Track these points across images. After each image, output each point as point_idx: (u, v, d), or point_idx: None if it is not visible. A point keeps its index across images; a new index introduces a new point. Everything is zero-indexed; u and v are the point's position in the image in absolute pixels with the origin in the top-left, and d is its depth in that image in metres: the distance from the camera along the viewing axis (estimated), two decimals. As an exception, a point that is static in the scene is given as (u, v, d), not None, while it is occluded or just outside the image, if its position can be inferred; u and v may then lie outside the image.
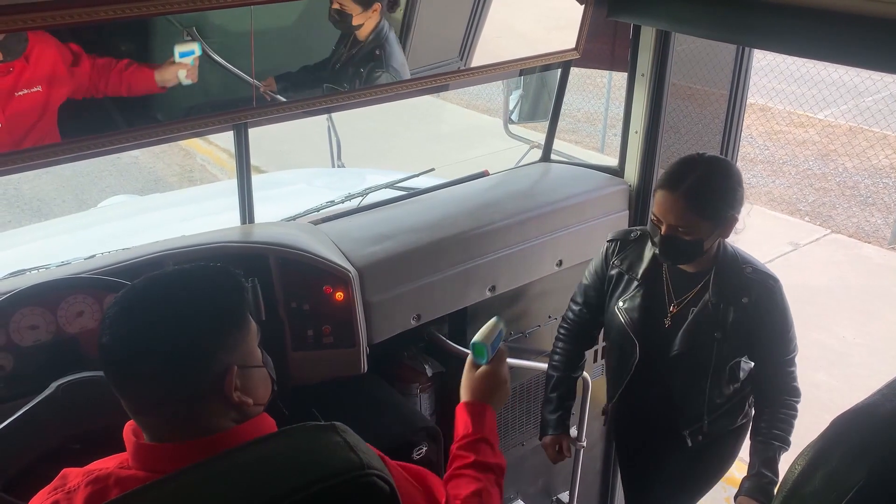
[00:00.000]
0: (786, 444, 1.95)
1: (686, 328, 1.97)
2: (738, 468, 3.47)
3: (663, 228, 1.85)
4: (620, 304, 2.05)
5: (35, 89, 1.59)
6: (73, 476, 1.04)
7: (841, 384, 4.15)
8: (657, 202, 1.86)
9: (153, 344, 1.00)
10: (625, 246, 2.08)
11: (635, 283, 2.03)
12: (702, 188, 1.82)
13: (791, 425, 1.96)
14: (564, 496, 2.80)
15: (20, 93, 1.58)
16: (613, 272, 2.07)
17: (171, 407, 1.01)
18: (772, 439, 1.94)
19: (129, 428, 1.06)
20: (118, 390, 1.03)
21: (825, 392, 4.08)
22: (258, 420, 1.09)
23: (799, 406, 1.97)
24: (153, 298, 1.04)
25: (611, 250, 2.10)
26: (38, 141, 1.63)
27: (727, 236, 1.91)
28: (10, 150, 1.58)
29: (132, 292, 1.05)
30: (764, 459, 1.94)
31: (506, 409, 2.52)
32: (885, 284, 5.30)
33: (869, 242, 5.99)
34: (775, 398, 1.97)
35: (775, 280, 1.96)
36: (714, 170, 1.87)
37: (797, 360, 1.98)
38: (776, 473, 1.93)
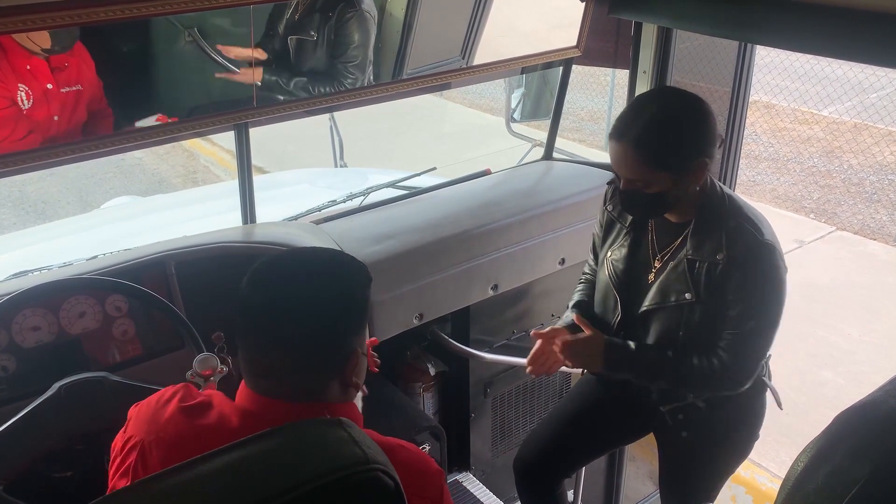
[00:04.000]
0: (680, 384, 1.74)
1: (659, 284, 1.73)
2: (745, 466, 3.47)
3: (621, 182, 1.66)
4: (609, 254, 1.84)
5: (76, 87, 1.66)
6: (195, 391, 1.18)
7: (846, 381, 4.14)
8: (609, 153, 1.63)
9: (303, 314, 1.08)
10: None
11: (624, 232, 1.81)
12: (653, 135, 1.56)
13: (704, 385, 1.72)
14: (569, 495, 2.79)
15: (64, 90, 1.64)
16: (607, 219, 1.87)
17: (297, 376, 1.10)
18: (675, 368, 1.70)
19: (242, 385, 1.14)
20: (249, 352, 1.11)
21: (831, 389, 4.07)
22: (352, 407, 1.17)
23: (732, 383, 1.69)
24: (307, 273, 1.12)
25: (608, 194, 1.88)
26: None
27: (699, 183, 1.64)
28: (12, 151, 1.58)
29: (284, 262, 1.15)
30: (652, 359, 1.73)
31: (509, 407, 2.53)
32: (891, 281, 5.27)
33: (874, 239, 5.96)
34: (711, 353, 1.68)
35: (763, 240, 1.64)
36: (669, 110, 1.60)
37: (768, 347, 1.73)
38: (640, 370, 1.73)
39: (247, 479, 0.85)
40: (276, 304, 1.09)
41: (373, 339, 1.27)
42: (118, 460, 1.15)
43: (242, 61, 1.84)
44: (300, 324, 1.08)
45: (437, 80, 2.21)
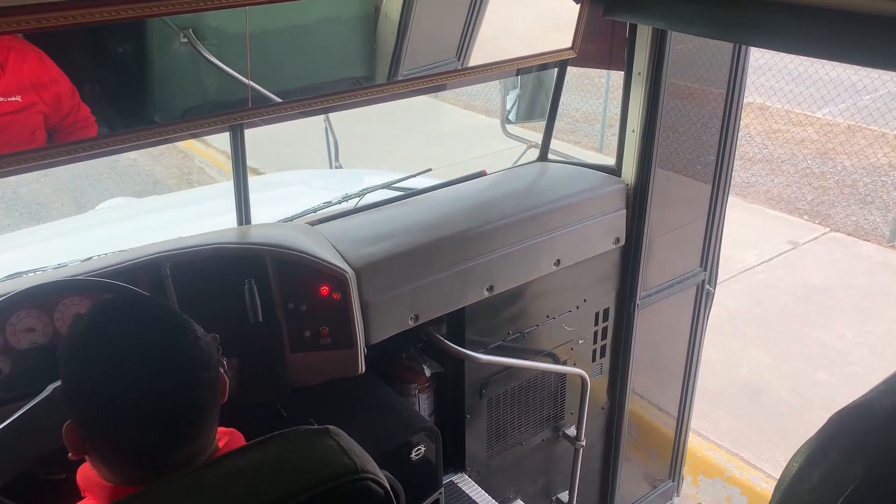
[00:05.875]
0: None
1: None
2: (739, 467, 3.48)
3: None
4: None
5: (13, 99, 1.57)
6: None
7: (841, 382, 4.15)
8: None
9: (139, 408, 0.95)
10: None
11: None
12: None
13: None
14: (564, 496, 2.79)
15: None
16: None
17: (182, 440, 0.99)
18: None
19: (90, 473, 1.02)
20: (96, 439, 0.99)
21: (825, 391, 4.08)
22: (234, 441, 1.07)
23: None
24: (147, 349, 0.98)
25: None
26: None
27: None
28: (4, 153, 1.58)
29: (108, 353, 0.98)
30: None
31: (504, 408, 2.53)
32: (885, 282, 5.29)
33: (868, 241, 5.98)
34: None
35: None
36: None
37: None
38: None
39: (236, 493, 0.84)
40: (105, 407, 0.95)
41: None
42: None
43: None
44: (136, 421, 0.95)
45: (433, 82, 2.22)
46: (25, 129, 1.59)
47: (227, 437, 1.06)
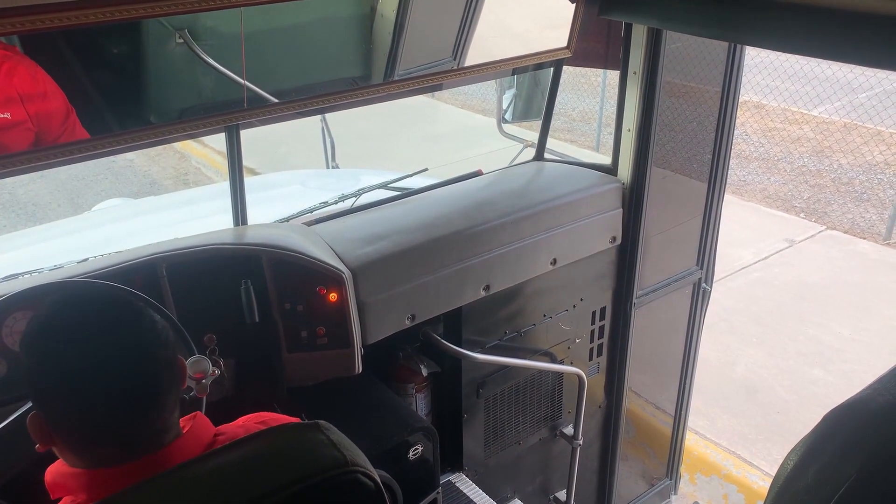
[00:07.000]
0: None
1: None
2: (736, 465, 3.49)
3: None
4: None
5: (2, 116, 1.55)
6: None
7: (837, 380, 4.16)
8: None
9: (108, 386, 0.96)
10: None
11: None
12: None
13: None
14: (562, 494, 2.79)
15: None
16: None
17: (146, 421, 1.00)
18: None
19: (61, 468, 1.03)
20: (66, 424, 0.99)
21: (821, 388, 4.09)
22: (199, 423, 1.08)
23: None
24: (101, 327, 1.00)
25: None
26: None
27: None
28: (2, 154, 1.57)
29: (72, 327, 1.00)
30: None
31: (501, 407, 2.53)
32: (881, 280, 5.31)
33: (864, 238, 6.00)
34: None
35: None
36: None
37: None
38: None
39: (227, 486, 0.85)
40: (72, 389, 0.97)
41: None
42: None
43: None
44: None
45: (429, 82, 2.21)
46: (17, 147, 1.58)
47: (190, 423, 1.07)
